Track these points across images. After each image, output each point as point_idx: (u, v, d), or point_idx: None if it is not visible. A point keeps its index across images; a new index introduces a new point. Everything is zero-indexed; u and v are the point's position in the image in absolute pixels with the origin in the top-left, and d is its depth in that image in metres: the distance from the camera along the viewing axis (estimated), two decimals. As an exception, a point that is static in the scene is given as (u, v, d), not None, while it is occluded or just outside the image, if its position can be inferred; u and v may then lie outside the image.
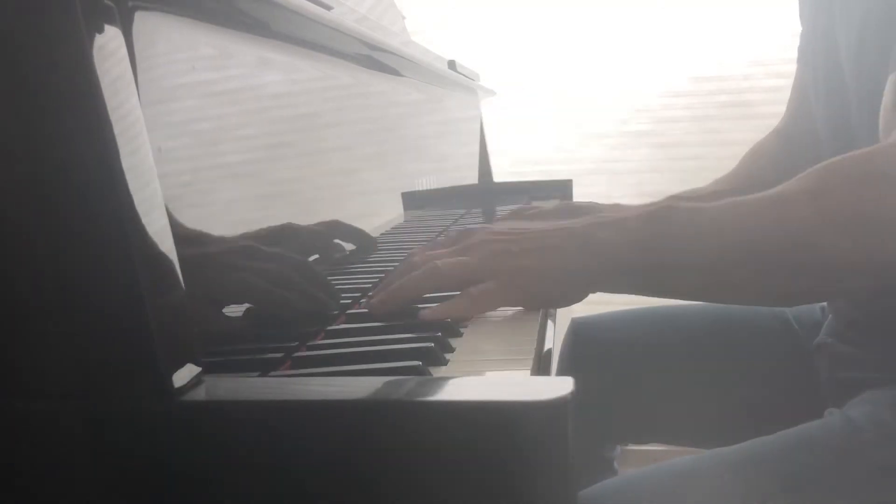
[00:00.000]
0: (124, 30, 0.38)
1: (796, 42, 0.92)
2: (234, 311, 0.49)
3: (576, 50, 1.89)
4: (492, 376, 0.47)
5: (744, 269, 0.55)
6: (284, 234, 0.58)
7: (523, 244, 0.57)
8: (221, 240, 0.49)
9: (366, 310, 0.60)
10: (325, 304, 0.58)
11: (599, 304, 1.18)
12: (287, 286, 0.53)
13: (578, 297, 0.59)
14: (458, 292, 0.57)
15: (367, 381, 0.38)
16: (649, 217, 0.56)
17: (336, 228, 0.71)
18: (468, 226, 0.64)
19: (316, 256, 0.66)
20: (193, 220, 0.46)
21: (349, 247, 0.74)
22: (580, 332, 0.97)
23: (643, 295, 0.59)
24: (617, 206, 0.86)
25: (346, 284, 0.68)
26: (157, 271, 0.36)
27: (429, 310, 0.55)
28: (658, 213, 0.56)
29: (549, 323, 0.61)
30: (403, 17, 1.37)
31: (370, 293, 0.63)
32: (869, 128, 0.68)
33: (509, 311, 0.60)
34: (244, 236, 0.53)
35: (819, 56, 0.80)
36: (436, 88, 1.21)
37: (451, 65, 1.19)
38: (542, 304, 0.58)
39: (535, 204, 1.04)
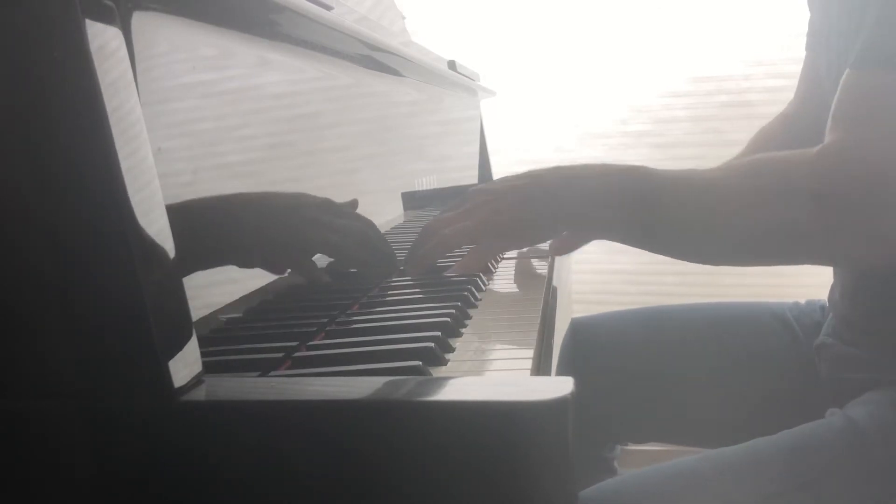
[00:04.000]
0: (124, 30, 0.37)
1: (796, 42, 0.92)
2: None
3: (576, 50, 1.89)
4: (492, 376, 0.47)
5: (698, 230, 0.66)
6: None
7: (510, 198, 0.69)
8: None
9: (363, 310, 0.60)
10: (385, 263, 0.72)
11: (599, 304, 1.18)
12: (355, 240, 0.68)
13: (561, 231, 0.71)
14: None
15: (367, 381, 0.38)
16: (628, 172, 0.67)
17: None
18: (468, 191, 0.74)
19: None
20: (194, 220, 0.46)
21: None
22: (580, 332, 0.97)
23: (614, 240, 0.69)
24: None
25: (347, 284, 0.68)
26: (158, 271, 0.36)
27: (450, 269, 0.71)
28: (636, 171, 0.67)
29: (549, 323, 0.61)
30: (403, 17, 1.37)
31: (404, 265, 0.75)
32: None
33: (508, 310, 0.59)
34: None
35: (832, 41, 0.80)
36: (436, 88, 1.21)
37: (451, 65, 1.19)
38: (532, 243, 0.73)
39: None
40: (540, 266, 0.82)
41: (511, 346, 0.53)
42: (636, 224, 0.67)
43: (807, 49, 0.93)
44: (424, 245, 0.72)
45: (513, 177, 0.72)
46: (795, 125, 0.96)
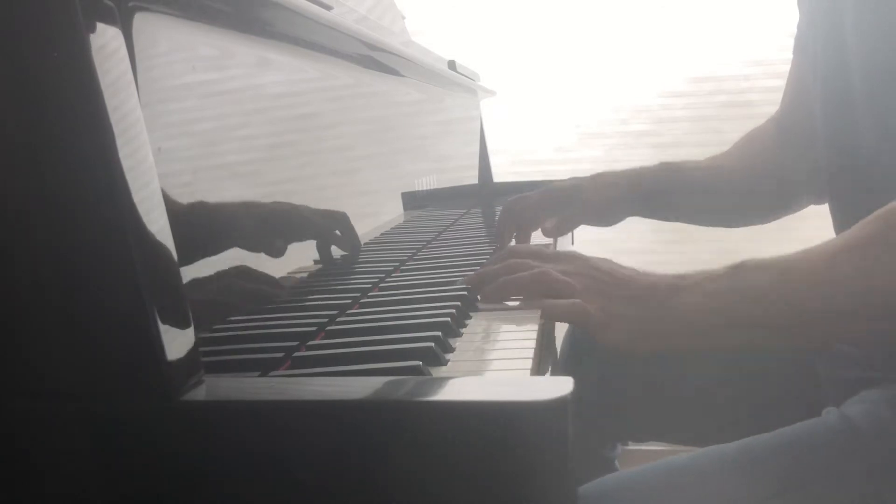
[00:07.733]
0: (124, 30, 0.37)
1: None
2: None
3: (576, 50, 1.89)
4: (492, 376, 0.47)
5: (818, 323, 0.60)
6: (291, 215, 0.63)
7: (617, 291, 0.62)
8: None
9: (363, 310, 0.60)
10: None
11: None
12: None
13: (650, 351, 0.63)
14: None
15: (367, 381, 0.39)
16: (722, 280, 0.60)
17: (341, 222, 0.72)
18: (567, 250, 0.70)
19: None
20: (193, 221, 0.46)
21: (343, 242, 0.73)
22: (580, 332, 0.97)
23: (713, 349, 0.64)
24: (600, 175, 0.98)
25: (346, 284, 0.68)
26: (158, 271, 0.36)
27: (548, 307, 0.61)
28: (729, 277, 0.60)
29: (550, 323, 0.61)
30: (403, 17, 1.37)
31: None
32: (876, 112, 0.68)
33: (509, 308, 0.59)
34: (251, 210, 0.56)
35: (819, 42, 0.80)
36: (436, 88, 1.21)
37: (451, 65, 1.19)
38: (616, 347, 0.62)
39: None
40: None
41: (511, 346, 0.53)
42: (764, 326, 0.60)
43: (795, 52, 0.93)
44: (508, 272, 0.66)
45: (620, 267, 0.66)
46: (785, 130, 0.96)
